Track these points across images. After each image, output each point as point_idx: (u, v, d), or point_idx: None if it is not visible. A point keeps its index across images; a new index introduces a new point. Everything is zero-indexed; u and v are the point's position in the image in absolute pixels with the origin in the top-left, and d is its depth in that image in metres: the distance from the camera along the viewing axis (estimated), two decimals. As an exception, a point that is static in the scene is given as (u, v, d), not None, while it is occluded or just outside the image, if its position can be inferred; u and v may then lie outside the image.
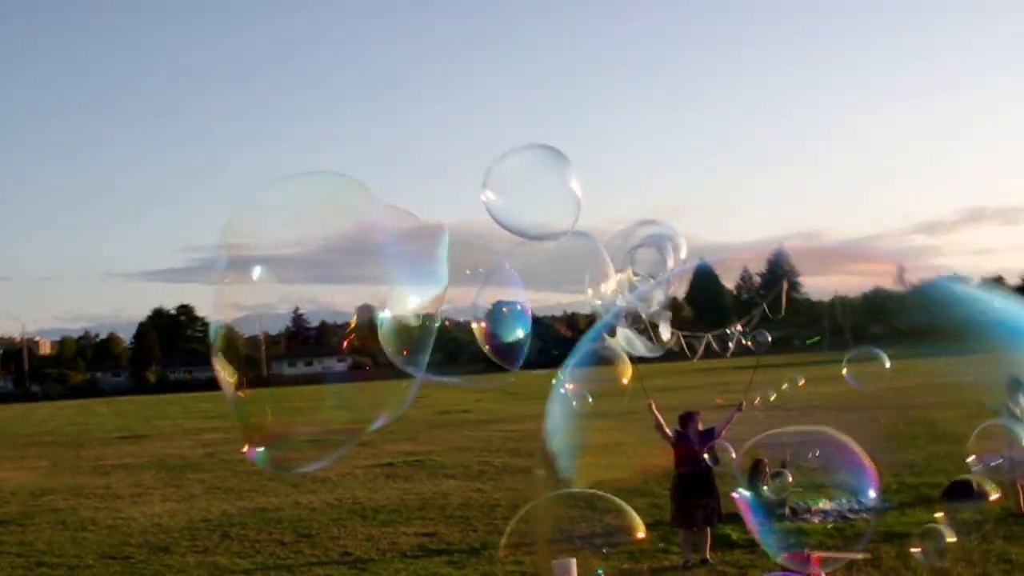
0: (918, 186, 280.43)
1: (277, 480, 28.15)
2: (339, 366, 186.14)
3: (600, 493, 11.89)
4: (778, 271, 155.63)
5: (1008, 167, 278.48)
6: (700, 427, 15.14)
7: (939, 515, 10.68)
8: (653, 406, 14.84)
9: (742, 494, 10.19)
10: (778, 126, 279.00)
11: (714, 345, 15.32)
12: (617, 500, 11.03)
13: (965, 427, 28.96)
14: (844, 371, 15.52)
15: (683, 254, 13.04)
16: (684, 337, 14.58)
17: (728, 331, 14.46)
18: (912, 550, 10.85)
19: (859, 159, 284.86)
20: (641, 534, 11.07)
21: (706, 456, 14.14)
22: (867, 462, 9.23)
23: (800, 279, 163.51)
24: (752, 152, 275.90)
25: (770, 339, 16.01)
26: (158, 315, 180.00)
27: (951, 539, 10.38)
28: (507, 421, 46.14)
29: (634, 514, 10.82)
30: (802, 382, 17.15)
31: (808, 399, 44.32)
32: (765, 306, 16.48)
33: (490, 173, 9.88)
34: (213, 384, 9.33)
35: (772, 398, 16.42)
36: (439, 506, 21.94)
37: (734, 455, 14.09)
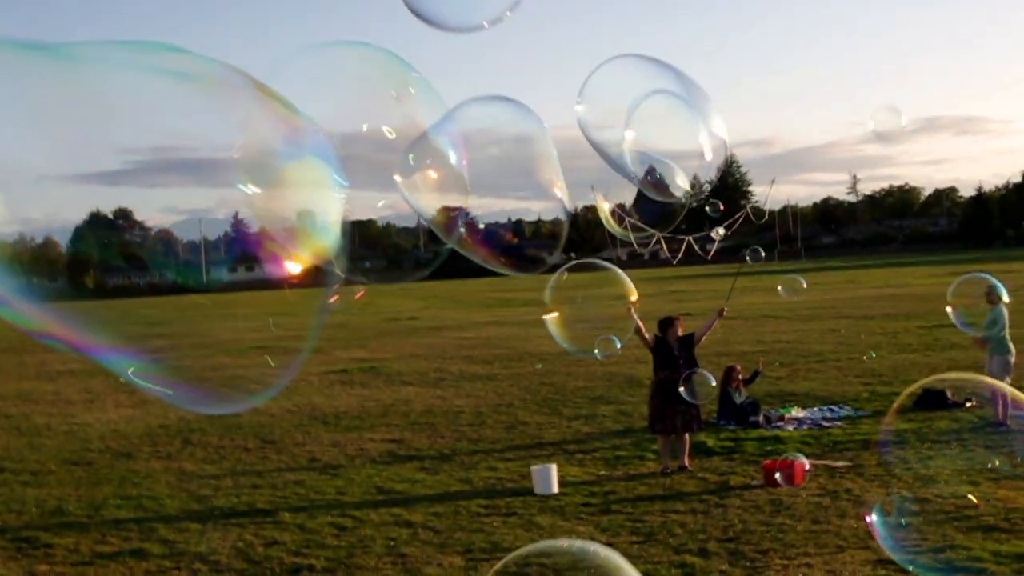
0: (873, 94, 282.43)
1: (230, 387, 27.78)
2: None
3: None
4: (728, 179, 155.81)
5: (965, 77, 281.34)
6: (680, 332, 14.97)
7: None
8: (633, 310, 14.64)
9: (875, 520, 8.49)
10: (727, 31, 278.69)
11: (696, 247, 15.04)
12: None
13: (926, 337, 29.39)
14: (948, 309, 15.17)
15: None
16: (665, 240, 14.23)
17: (712, 235, 14.11)
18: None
19: (813, 65, 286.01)
20: None
21: (682, 390, 13.88)
22: None
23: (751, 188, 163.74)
24: (700, 56, 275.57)
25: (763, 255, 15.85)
26: (95, 219, 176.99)
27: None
28: (458, 328, 46.02)
29: None
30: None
31: (763, 308, 44.62)
32: (749, 210, 16.21)
33: None
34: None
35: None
36: (402, 412, 21.72)
37: (713, 384, 13.94)
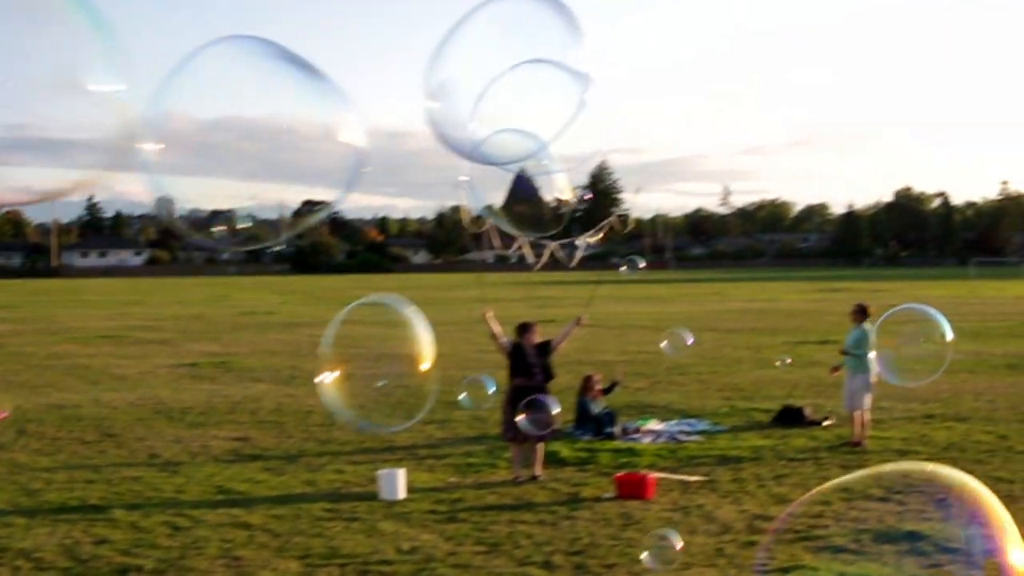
0: (749, 108, 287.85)
1: (74, 376, 26.94)
2: (135, 260, 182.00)
3: None
4: (599, 184, 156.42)
5: (848, 89, 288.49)
6: (537, 339, 14.71)
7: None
8: (490, 314, 14.37)
9: None
10: (600, 32, 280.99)
11: (559, 255, 14.75)
12: None
13: (790, 354, 29.67)
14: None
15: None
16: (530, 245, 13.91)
17: (576, 242, 13.86)
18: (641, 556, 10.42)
19: (689, 75, 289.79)
20: None
21: (522, 419, 13.48)
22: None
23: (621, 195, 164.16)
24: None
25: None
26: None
27: (679, 544, 10.14)
28: (315, 325, 45.21)
29: None
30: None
31: (626, 318, 44.84)
32: (616, 218, 15.98)
33: None
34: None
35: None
36: (250, 410, 21.11)
37: (556, 411, 13.58)
